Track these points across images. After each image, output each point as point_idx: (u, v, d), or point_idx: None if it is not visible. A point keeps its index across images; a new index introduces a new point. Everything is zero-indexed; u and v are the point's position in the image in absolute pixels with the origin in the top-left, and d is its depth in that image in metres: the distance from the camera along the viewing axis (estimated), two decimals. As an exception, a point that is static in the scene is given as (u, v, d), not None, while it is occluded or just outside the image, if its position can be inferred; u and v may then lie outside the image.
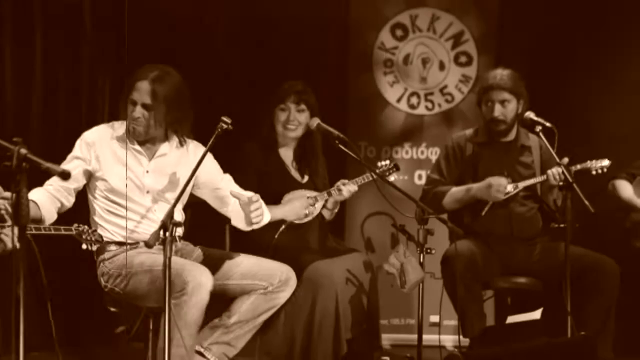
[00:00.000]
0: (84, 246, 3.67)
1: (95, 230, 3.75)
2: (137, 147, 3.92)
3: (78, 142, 3.91)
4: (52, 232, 3.58)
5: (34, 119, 5.09)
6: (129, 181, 3.89)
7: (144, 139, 3.91)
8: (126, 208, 3.86)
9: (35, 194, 3.72)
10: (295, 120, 4.41)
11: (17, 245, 2.82)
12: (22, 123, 5.02)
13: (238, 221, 3.92)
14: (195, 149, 4.02)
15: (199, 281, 3.61)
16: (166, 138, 3.95)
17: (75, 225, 3.68)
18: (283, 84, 4.47)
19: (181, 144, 3.98)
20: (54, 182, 3.82)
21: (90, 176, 3.90)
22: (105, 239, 3.85)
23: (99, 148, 3.88)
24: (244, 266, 3.91)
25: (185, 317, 3.58)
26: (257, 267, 3.91)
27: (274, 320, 4.07)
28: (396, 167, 4.54)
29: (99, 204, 3.91)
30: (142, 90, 3.83)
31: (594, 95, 5.45)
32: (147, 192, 3.91)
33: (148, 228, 3.84)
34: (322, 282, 4.11)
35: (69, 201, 3.87)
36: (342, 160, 4.81)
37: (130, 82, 3.87)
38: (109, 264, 3.85)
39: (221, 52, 5.51)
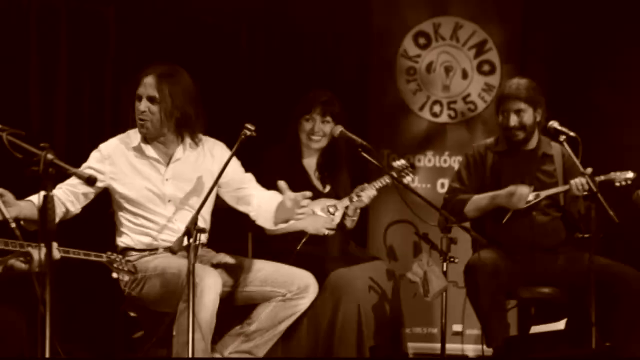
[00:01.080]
0: (114, 275, 3.57)
1: (129, 261, 3.68)
2: (154, 154, 3.90)
3: (93, 154, 3.91)
4: (82, 257, 3.48)
5: (59, 124, 5.13)
6: (149, 192, 3.88)
7: (154, 136, 3.88)
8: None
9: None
10: (320, 131, 4.40)
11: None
12: (47, 129, 5.05)
13: (265, 220, 3.88)
14: (212, 146, 4.00)
15: (207, 283, 3.58)
16: (179, 140, 3.91)
17: (108, 253, 3.60)
18: (309, 92, 4.46)
19: (196, 144, 3.94)
20: (63, 185, 3.80)
21: (101, 189, 3.88)
22: (126, 245, 3.86)
23: (115, 160, 3.87)
24: (264, 272, 3.91)
25: (195, 318, 3.53)
26: (277, 274, 3.91)
27: (297, 328, 4.06)
28: (412, 166, 4.55)
29: (121, 214, 3.91)
30: (148, 84, 3.83)
31: (618, 104, 5.41)
32: (169, 200, 3.90)
33: (169, 237, 3.84)
34: (344, 290, 4.10)
35: (75, 207, 3.85)
36: (364, 168, 4.80)
37: (137, 78, 3.88)
38: None
39: (244, 60, 5.53)
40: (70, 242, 3.48)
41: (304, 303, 3.90)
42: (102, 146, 3.92)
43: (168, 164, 3.91)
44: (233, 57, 5.49)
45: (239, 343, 3.85)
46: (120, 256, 3.63)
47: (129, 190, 3.87)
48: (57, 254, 3.31)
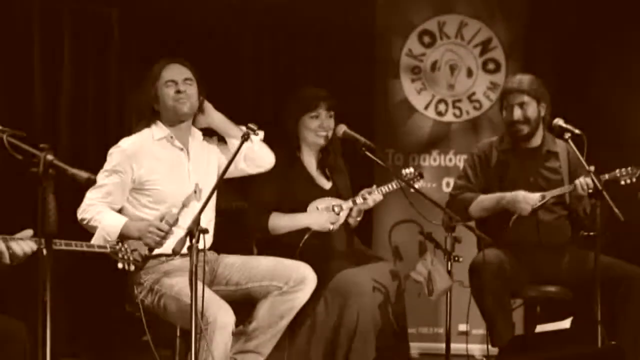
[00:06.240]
0: (119, 265, 3.43)
1: (136, 250, 3.52)
2: (178, 143, 3.91)
3: (117, 154, 3.82)
4: (84, 249, 3.32)
5: (63, 126, 5.13)
6: (179, 186, 3.86)
7: (186, 118, 3.90)
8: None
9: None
10: (328, 127, 4.38)
11: (44, 252, 2.82)
12: (51, 131, 5.06)
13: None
14: (206, 141, 4.03)
15: (222, 322, 3.56)
16: (189, 131, 3.96)
17: (112, 242, 3.45)
18: (305, 91, 4.45)
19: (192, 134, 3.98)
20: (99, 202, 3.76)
21: (129, 188, 3.83)
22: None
23: (141, 158, 3.81)
24: (262, 267, 3.89)
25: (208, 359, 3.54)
26: (274, 267, 3.88)
27: (302, 329, 4.05)
28: (420, 175, 4.51)
29: (147, 212, 3.82)
30: (176, 69, 3.87)
31: (623, 100, 5.39)
32: (195, 192, 3.87)
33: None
34: (349, 291, 4.08)
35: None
36: (368, 167, 4.80)
37: (153, 73, 3.88)
38: (144, 274, 3.80)
39: (248, 60, 5.53)
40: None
41: (301, 296, 3.85)
42: (124, 145, 3.84)
43: (189, 156, 3.92)
44: (237, 58, 5.49)
45: (242, 343, 3.83)
46: (126, 245, 3.46)
47: (161, 185, 3.82)
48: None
